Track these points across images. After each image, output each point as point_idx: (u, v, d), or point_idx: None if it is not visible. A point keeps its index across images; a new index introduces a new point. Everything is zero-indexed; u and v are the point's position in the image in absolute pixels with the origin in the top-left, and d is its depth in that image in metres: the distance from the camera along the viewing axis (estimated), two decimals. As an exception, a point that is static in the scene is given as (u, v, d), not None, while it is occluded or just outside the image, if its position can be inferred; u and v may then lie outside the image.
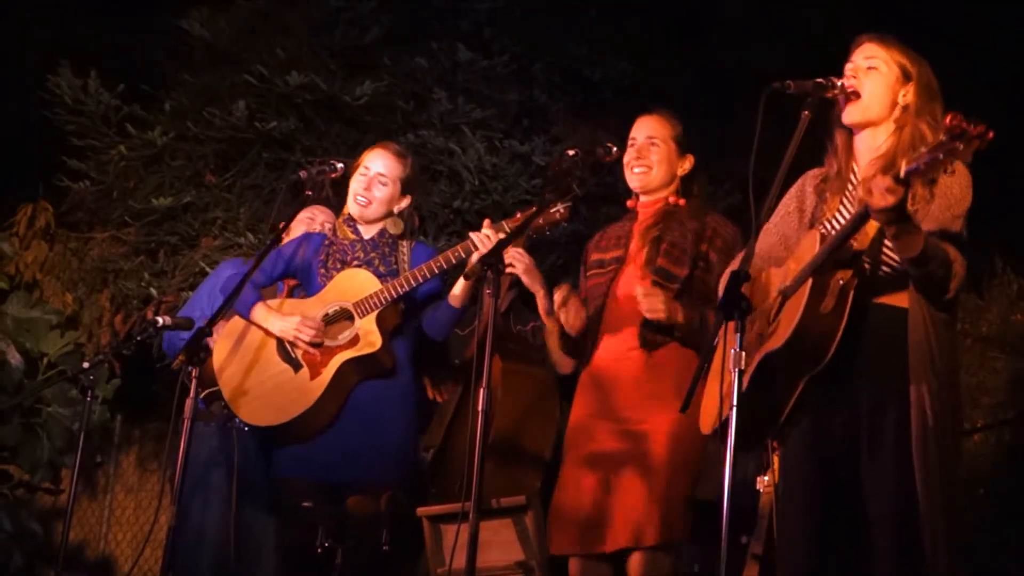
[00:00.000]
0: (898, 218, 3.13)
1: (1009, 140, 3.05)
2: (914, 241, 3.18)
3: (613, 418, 4.28)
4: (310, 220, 5.14)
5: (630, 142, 4.48)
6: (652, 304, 4.19)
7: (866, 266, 3.39)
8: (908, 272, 3.27)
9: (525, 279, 4.63)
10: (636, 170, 4.44)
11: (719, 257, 4.30)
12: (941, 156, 2.97)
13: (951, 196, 3.35)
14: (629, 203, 4.56)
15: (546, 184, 4.47)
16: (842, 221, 3.47)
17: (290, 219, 5.14)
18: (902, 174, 3.04)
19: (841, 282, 3.32)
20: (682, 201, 4.45)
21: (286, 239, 5.01)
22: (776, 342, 3.35)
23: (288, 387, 4.54)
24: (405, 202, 4.82)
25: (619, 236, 4.49)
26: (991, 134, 2.93)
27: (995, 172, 3.52)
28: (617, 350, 4.32)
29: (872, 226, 3.34)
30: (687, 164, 4.48)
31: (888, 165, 3.29)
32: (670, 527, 4.08)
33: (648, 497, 4.09)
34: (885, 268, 3.39)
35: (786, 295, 3.42)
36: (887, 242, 3.36)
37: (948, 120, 2.95)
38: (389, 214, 4.79)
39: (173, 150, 7.37)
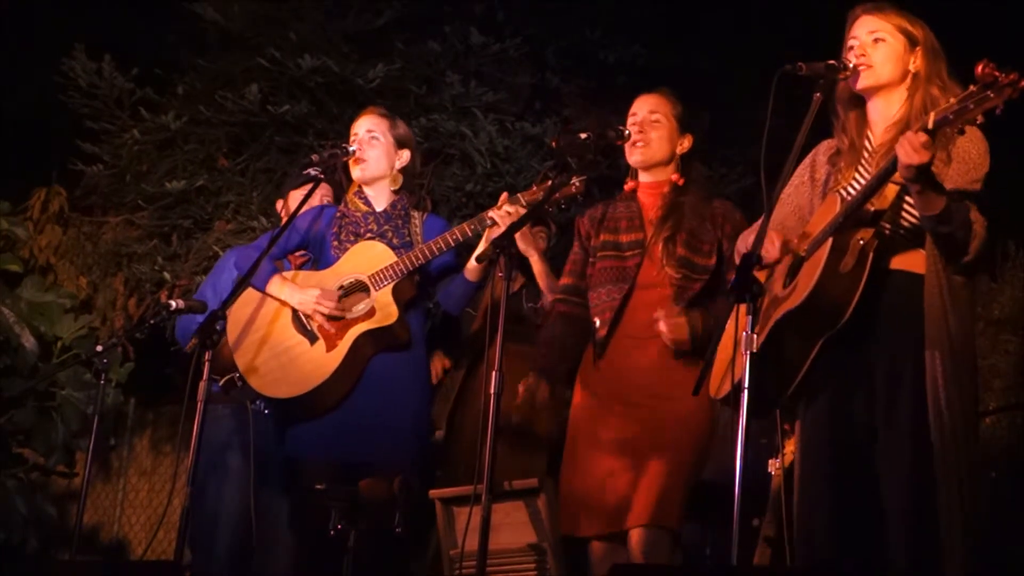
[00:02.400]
0: (923, 175, 3.12)
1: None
2: (936, 199, 3.17)
3: (624, 402, 4.27)
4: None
5: (631, 118, 4.46)
6: (676, 334, 4.19)
7: (886, 229, 3.38)
8: (929, 231, 3.26)
9: (520, 244, 4.66)
10: (638, 144, 4.42)
11: (729, 244, 4.29)
12: (971, 106, 2.95)
13: (970, 160, 3.34)
14: (628, 185, 4.52)
15: (554, 165, 4.46)
16: (859, 187, 3.45)
17: (288, 193, 5.20)
18: (930, 125, 3.04)
19: (862, 242, 3.31)
20: (681, 180, 4.42)
21: (284, 215, 5.05)
22: (794, 301, 3.34)
23: (303, 360, 4.54)
24: (405, 155, 4.80)
25: (629, 218, 4.44)
26: None
27: (1008, 154, 3.50)
28: (636, 337, 4.30)
29: (891, 189, 3.33)
30: (687, 143, 4.46)
31: (906, 128, 3.27)
32: (662, 511, 4.07)
33: (649, 479, 4.10)
34: (903, 233, 3.38)
35: (805, 257, 3.41)
36: (906, 205, 3.35)
37: (980, 69, 2.93)
38: (390, 170, 4.78)
39: (186, 134, 7.38)
